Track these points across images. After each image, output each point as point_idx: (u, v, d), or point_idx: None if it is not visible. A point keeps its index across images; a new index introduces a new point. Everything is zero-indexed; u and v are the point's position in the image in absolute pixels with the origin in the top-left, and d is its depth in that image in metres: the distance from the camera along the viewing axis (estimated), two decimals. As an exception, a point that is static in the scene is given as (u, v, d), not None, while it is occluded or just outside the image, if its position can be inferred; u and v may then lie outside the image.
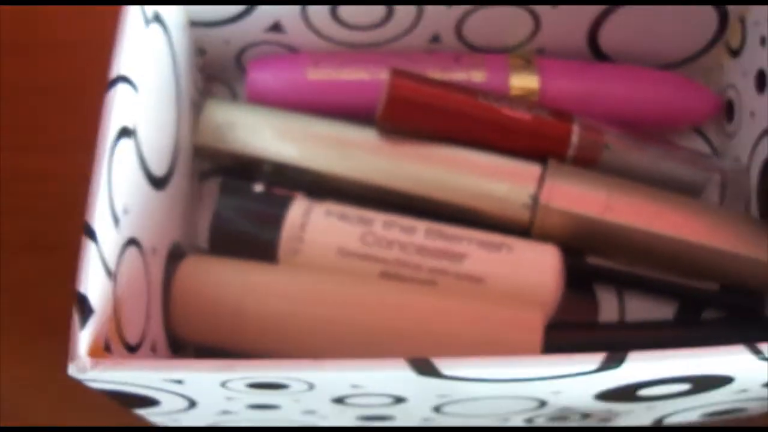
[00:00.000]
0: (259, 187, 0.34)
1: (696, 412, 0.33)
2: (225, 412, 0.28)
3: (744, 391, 0.29)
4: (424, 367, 0.23)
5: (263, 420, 0.29)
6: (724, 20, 0.36)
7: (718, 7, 0.35)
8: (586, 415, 0.31)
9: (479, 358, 0.23)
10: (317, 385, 0.24)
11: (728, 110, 0.38)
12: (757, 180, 0.36)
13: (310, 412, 0.28)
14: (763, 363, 0.24)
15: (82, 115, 0.30)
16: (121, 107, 0.27)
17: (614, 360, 0.23)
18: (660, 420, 0.34)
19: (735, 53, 0.37)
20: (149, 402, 0.27)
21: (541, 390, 0.26)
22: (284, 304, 0.29)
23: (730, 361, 0.24)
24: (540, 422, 0.32)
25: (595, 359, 0.23)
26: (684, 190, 0.35)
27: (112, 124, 0.26)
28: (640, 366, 0.23)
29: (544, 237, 0.33)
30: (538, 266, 0.31)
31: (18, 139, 0.40)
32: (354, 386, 0.24)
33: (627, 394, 0.27)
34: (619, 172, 0.35)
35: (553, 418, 0.31)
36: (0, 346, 0.37)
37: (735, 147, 0.37)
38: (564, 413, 0.30)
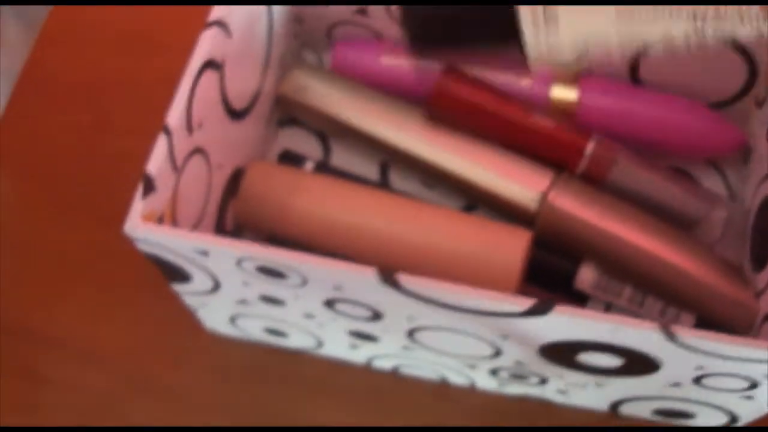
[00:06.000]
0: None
1: (645, 404, 0.37)
2: (242, 302, 0.35)
3: (678, 385, 0.33)
4: (388, 278, 0.28)
5: (273, 316, 0.36)
6: (753, 73, 0.40)
7: (748, 60, 0.39)
8: (543, 381, 0.36)
9: (433, 280, 0.28)
10: (309, 280, 0.30)
11: (747, 154, 0.42)
12: (752, 221, 0.39)
13: (310, 315, 0.34)
14: (677, 348, 0.29)
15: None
16: (211, 44, 0.33)
17: (543, 307, 0.28)
18: (615, 405, 0.38)
19: (760, 104, 0.41)
20: (183, 276, 0.33)
21: (489, 329, 0.31)
22: (323, 209, 0.38)
23: (643, 333, 0.28)
24: (504, 376, 0.37)
25: (526, 303, 0.28)
26: (683, 220, 0.40)
27: (201, 54, 0.33)
28: (563, 320, 0.28)
29: (545, 231, 0.39)
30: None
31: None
32: (336, 288, 0.30)
33: (567, 356, 0.32)
34: (625, 190, 0.39)
35: (514, 375, 0.36)
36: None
37: (746, 189, 0.41)
38: (521, 371, 0.35)
